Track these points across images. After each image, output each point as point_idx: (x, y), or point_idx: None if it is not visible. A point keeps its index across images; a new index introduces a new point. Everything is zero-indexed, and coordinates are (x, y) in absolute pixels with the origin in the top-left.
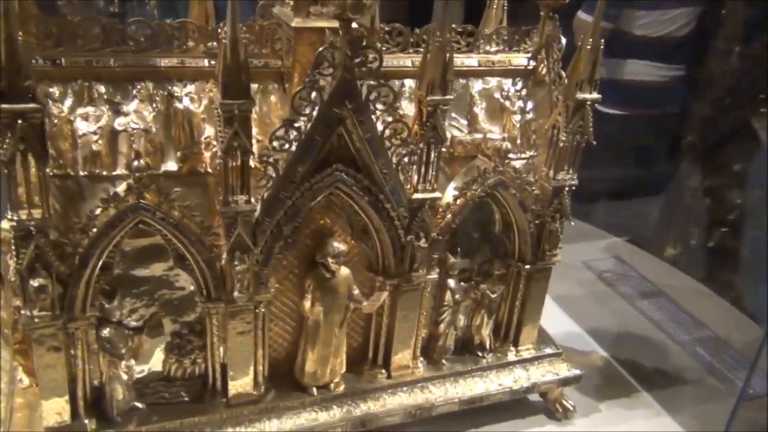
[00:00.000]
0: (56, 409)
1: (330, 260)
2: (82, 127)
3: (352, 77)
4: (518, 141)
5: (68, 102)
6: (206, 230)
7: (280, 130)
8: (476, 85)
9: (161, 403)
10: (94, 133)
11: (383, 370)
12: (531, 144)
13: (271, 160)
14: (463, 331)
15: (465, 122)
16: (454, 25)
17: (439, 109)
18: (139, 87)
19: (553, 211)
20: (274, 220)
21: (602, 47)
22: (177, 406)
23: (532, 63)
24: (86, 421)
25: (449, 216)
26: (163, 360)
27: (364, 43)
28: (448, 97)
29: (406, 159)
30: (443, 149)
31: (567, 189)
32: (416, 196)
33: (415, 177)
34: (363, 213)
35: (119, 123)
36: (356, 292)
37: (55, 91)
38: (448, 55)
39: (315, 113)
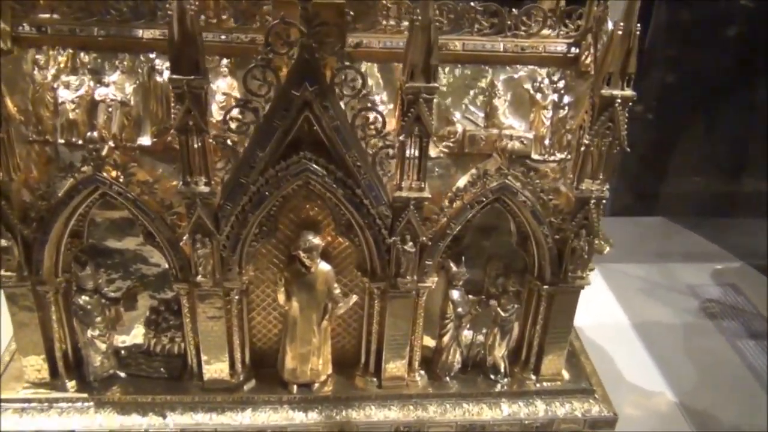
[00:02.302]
0: (35, 366)
1: (302, 254)
2: (63, 95)
3: (311, 57)
4: (546, 141)
5: (53, 70)
6: (167, 209)
7: (234, 111)
8: (501, 74)
9: (141, 375)
10: (73, 101)
11: (374, 379)
12: (563, 145)
13: (228, 142)
14: (475, 349)
15: (483, 115)
16: (473, 3)
17: (421, 97)
18: (121, 58)
19: (576, 227)
20: (236, 205)
21: (638, 33)
22: (156, 381)
23: (574, 50)
24: (67, 381)
25: (444, 220)
26: (144, 334)
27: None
28: (432, 84)
29: (384, 152)
30: (451, 144)
31: (594, 202)
32: (398, 194)
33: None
34: (344, 207)
35: (99, 93)
36: (337, 291)
37: (41, 58)
38: (432, 36)
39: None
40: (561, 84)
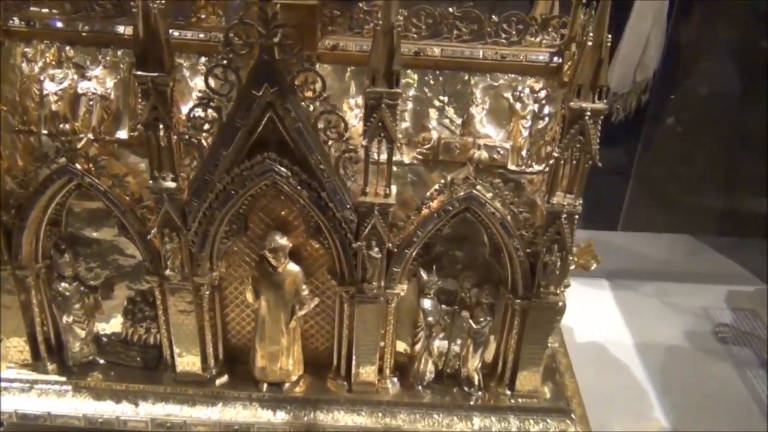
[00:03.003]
0: (18, 347)
1: (268, 254)
2: (48, 87)
3: (271, 58)
4: (524, 152)
5: (40, 63)
6: (137, 202)
7: (197, 109)
8: (481, 82)
9: (119, 363)
10: (56, 94)
11: (345, 383)
12: (542, 157)
13: (193, 139)
14: (451, 359)
15: (459, 123)
16: (451, 9)
17: (383, 103)
18: (105, 53)
19: (548, 241)
20: (203, 202)
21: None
22: (132, 370)
23: (557, 60)
24: (48, 364)
25: (411, 228)
26: (122, 323)
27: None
28: (394, 90)
29: (347, 156)
30: (425, 151)
31: (566, 216)
32: (362, 199)
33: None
34: (311, 209)
35: (82, 87)
36: (305, 292)
37: (30, 51)
38: (394, 41)
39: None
40: (542, 94)
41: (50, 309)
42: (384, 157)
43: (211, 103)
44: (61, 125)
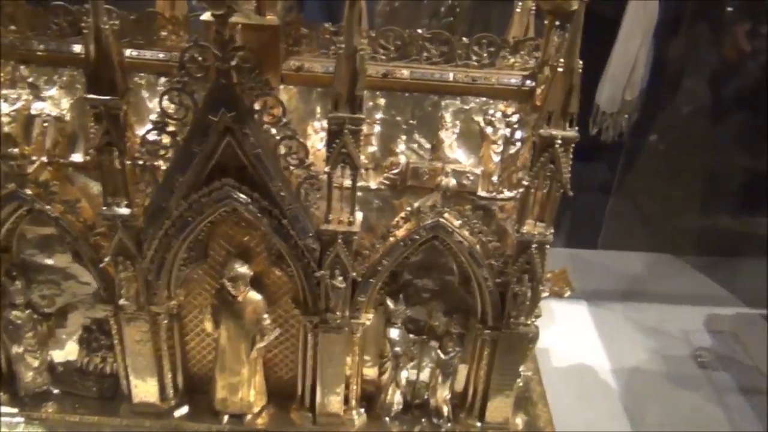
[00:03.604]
0: None
1: (227, 282)
2: (1, 108)
3: (228, 81)
4: (495, 177)
5: None
6: (90, 229)
7: (151, 134)
8: (451, 105)
9: (75, 393)
10: (9, 115)
11: (309, 414)
12: (513, 183)
13: (148, 165)
14: (419, 390)
15: (429, 147)
16: (420, 31)
17: (346, 128)
18: (61, 73)
19: (518, 271)
20: (159, 229)
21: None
22: (88, 401)
23: (530, 83)
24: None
25: (376, 256)
26: (78, 351)
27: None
28: (357, 115)
29: (309, 183)
30: (393, 176)
31: (536, 246)
32: (325, 227)
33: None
34: (273, 237)
35: (36, 108)
36: (266, 322)
37: None
38: (357, 64)
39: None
40: (514, 118)
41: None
42: (348, 183)
43: (166, 128)
44: (10, 149)
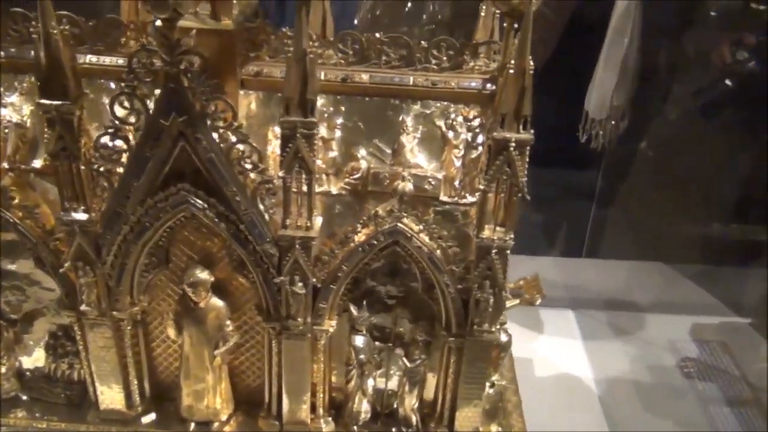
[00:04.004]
0: None
1: (187, 288)
2: None
3: (177, 86)
4: (457, 182)
5: None
6: (49, 234)
7: (104, 138)
8: (412, 109)
9: (43, 400)
10: None
11: (276, 422)
12: (475, 188)
13: (102, 170)
14: (388, 399)
15: (390, 152)
16: (378, 35)
17: (299, 132)
18: (21, 79)
19: (479, 277)
20: (117, 234)
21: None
22: (57, 407)
23: (490, 87)
24: None
25: (336, 262)
26: (45, 358)
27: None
28: (309, 119)
29: (264, 188)
30: (354, 182)
31: (496, 251)
32: (282, 232)
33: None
34: (232, 242)
35: None
36: (229, 328)
37: None
38: (307, 67)
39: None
40: (475, 122)
41: None
42: (305, 188)
43: (119, 133)
44: None
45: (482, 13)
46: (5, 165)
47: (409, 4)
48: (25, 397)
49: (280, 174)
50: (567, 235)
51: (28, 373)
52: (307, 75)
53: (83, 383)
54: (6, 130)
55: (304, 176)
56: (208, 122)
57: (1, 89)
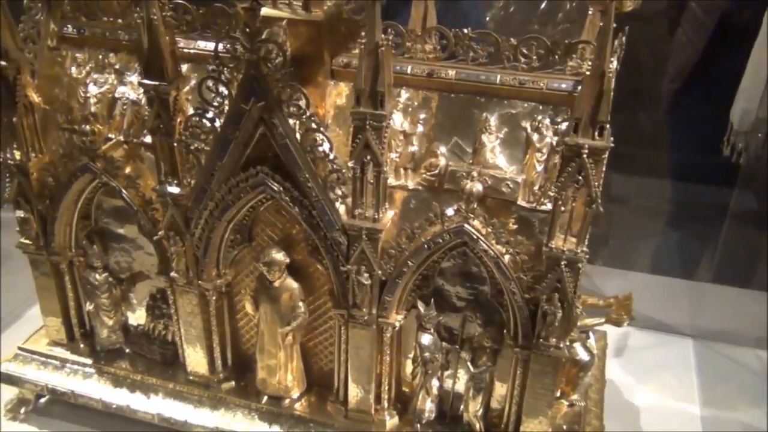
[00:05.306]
0: (55, 327)
1: (261, 266)
2: (91, 90)
3: (257, 72)
4: (536, 187)
5: (87, 67)
6: (147, 204)
7: (193, 118)
8: (497, 108)
9: (142, 355)
10: (96, 96)
11: (342, 407)
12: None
13: (192, 147)
14: (456, 401)
15: (470, 151)
16: (466, 30)
17: (368, 124)
18: None
19: (547, 289)
20: (203, 209)
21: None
22: (153, 363)
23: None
24: (81, 346)
25: (403, 257)
26: (146, 317)
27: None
28: (380, 111)
29: (334, 177)
30: (431, 178)
31: (566, 263)
32: (350, 222)
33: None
34: (305, 227)
35: (119, 91)
36: (300, 309)
37: (80, 56)
38: (379, 60)
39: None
40: (563, 126)
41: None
42: (372, 180)
43: (207, 114)
44: (83, 126)
45: (590, 12)
46: (121, 137)
47: (545, 3)
48: (128, 350)
49: (350, 164)
50: (696, 256)
51: (131, 329)
52: (378, 68)
53: (176, 344)
54: (124, 107)
55: (372, 168)
56: (284, 109)
57: (126, 68)
